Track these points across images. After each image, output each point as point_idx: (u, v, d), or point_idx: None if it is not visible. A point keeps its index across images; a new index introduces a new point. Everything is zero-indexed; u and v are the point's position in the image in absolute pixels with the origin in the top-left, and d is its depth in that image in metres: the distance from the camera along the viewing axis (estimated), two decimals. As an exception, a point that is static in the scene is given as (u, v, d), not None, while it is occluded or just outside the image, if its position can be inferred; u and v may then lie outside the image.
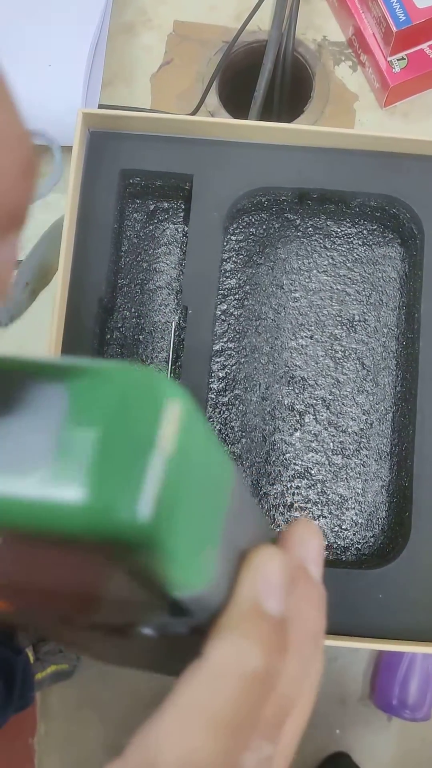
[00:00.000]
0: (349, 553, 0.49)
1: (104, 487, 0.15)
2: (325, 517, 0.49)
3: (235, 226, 0.52)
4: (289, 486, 0.50)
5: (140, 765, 0.18)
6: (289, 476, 0.50)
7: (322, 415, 0.50)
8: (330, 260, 0.52)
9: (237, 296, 0.52)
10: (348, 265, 0.52)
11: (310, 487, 0.50)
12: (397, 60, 0.60)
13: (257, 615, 0.20)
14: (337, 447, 0.50)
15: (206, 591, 0.19)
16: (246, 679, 0.19)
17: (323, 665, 0.23)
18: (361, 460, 0.50)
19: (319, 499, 0.49)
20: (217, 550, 0.19)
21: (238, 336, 0.51)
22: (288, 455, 0.50)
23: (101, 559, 0.16)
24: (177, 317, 0.51)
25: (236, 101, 0.66)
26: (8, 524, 0.15)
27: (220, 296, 0.51)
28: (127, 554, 0.15)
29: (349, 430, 0.50)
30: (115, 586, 0.18)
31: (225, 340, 0.51)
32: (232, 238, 0.52)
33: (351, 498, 0.49)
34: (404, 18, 0.57)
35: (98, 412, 0.15)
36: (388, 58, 0.60)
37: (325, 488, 0.49)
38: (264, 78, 0.62)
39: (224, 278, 0.52)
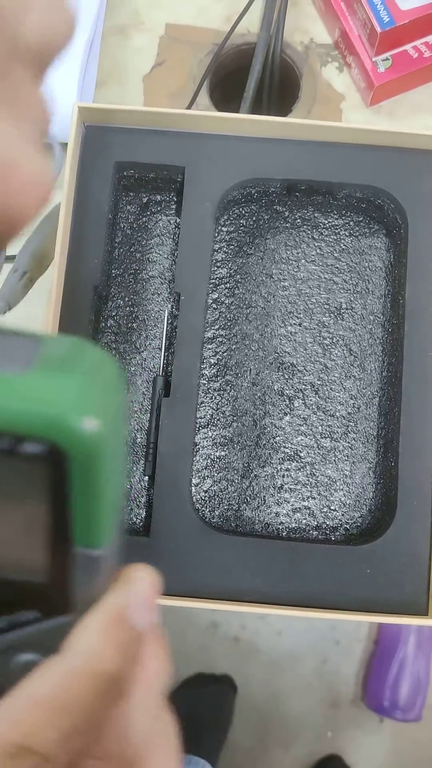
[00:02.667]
0: (338, 533, 0.50)
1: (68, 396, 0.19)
2: (314, 498, 0.51)
3: (225, 217, 0.54)
4: (279, 468, 0.51)
5: None
6: (279, 459, 0.51)
7: (311, 400, 0.52)
8: (318, 250, 0.54)
9: (228, 285, 0.53)
10: (335, 255, 0.54)
11: (299, 469, 0.51)
12: (382, 60, 0.62)
13: (121, 622, 0.21)
14: (326, 430, 0.51)
15: (95, 557, 0.21)
16: (97, 678, 0.20)
17: (175, 738, 0.24)
18: (348, 443, 0.51)
19: (308, 481, 0.51)
20: (114, 528, 0.21)
21: (229, 324, 0.53)
22: (278, 439, 0.51)
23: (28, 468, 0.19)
24: (170, 306, 0.53)
25: (226, 101, 0.68)
26: None
27: (211, 285, 0.53)
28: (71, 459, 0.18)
29: (337, 414, 0.52)
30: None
31: (216, 327, 0.52)
32: (223, 229, 0.54)
33: (339, 480, 0.51)
34: (388, 19, 0.59)
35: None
36: (373, 59, 0.62)
37: (314, 470, 0.51)
38: (253, 79, 0.64)
39: (215, 268, 0.53)
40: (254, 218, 0.54)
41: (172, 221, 0.54)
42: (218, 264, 0.53)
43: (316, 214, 0.54)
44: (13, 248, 0.53)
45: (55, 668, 0.21)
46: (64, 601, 0.22)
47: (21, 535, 0.21)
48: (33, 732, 0.19)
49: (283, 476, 0.51)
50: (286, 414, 0.52)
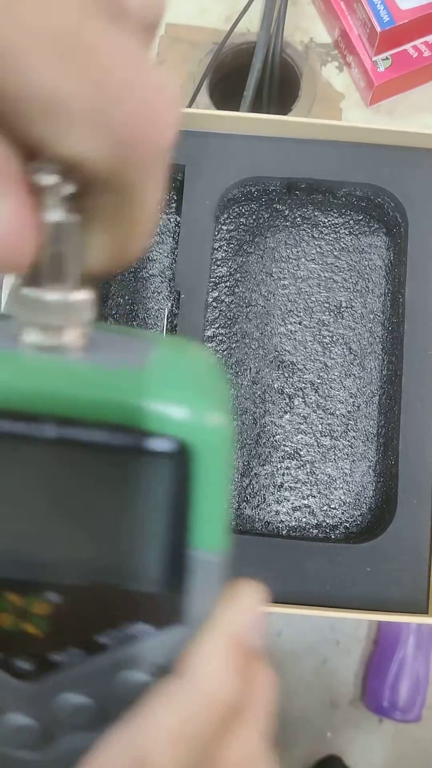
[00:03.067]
0: (337, 532, 0.50)
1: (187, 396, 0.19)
2: (314, 497, 0.51)
3: (225, 215, 0.54)
4: (279, 467, 0.51)
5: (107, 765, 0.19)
6: (279, 457, 0.51)
7: (311, 398, 0.52)
8: (318, 249, 0.54)
9: (228, 284, 0.53)
10: (335, 253, 0.54)
11: (299, 467, 0.51)
12: (382, 60, 0.62)
13: (239, 644, 0.20)
14: (326, 429, 0.51)
15: (213, 562, 0.20)
16: (220, 707, 0.20)
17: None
18: (348, 441, 0.51)
19: (308, 479, 0.51)
20: (227, 533, 0.20)
21: (229, 322, 0.53)
22: (278, 437, 0.51)
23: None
24: (169, 304, 0.53)
25: (226, 101, 0.68)
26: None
27: (211, 284, 0.53)
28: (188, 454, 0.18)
29: (337, 412, 0.52)
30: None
31: (216, 326, 0.53)
32: (223, 227, 0.54)
33: (339, 478, 0.51)
34: (388, 19, 0.59)
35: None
36: (373, 58, 0.62)
37: (314, 469, 0.51)
38: (253, 78, 0.64)
39: (215, 266, 0.53)
40: (254, 217, 0.54)
41: (172, 219, 0.54)
42: (218, 262, 0.53)
43: (316, 213, 0.54)
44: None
45: (179, 696, 0.19)
46: (178, 611, 0.20)
47: (137, 539, 0.20)
48: (151, 757, 0.19)
49: (283, 474, 0.51)
50: (286, 412, 0.52)
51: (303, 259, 0.54)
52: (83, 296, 0.18)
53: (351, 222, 0.54)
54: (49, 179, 0.16)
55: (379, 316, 0.53)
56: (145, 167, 0.17)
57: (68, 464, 0.19)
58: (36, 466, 0.19)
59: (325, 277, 0.53)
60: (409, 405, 0.49)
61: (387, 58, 0.62)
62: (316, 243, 0.54)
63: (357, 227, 0.54)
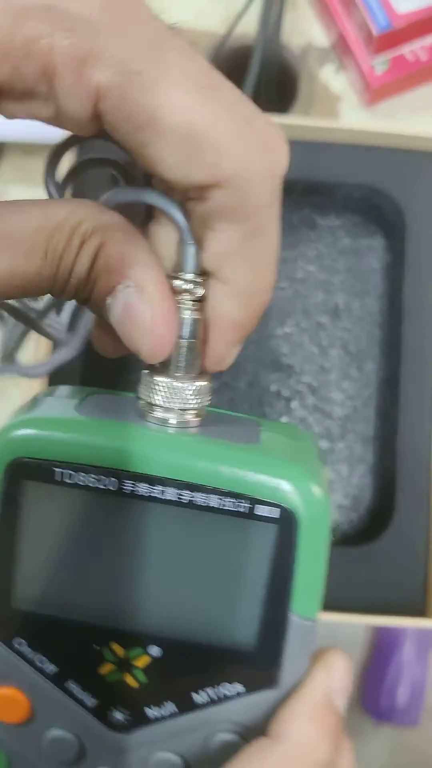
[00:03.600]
0: (335, 534, 0.50)
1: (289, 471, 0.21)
2: (312, 499, 0.50)
3: (223, 218, 0.54)
4: (276, 469, 0.51)
5: None
6: (276, 460, 0.51)
7: (309, 401, 0.52)
8: (315, 251, 0.54)
9: (225, 286, 0.53)
10: (333, 255, 0.54)
11: (297, 470, 0.51)
12: (379, 63, 0.62)
13: (329, 708, 0.21)
14: (324, 432, 0.51)
15: (308, 627, 0.21)
16: (313, 766, 0.20)
17: None
18: (346, 444, 0.51)
19: (305, 481, 0.51)
20: (320, 603, 0.22)
21: (226, 324, 0.52)
22: (275, 439, 0.51)
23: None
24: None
25: (224, 104, 0.68)
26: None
27: (208, 286, 0.53)
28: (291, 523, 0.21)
29: (335, 415, 0.52)
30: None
31: (214, 328, 0.52)
32: (221, 229, 0.54)
33: (337, 481, 0.51)
34: (385, 22, 0.59)
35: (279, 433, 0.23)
36: (371, 61, 0.62)
37: (311, 471, 0.51)
38: (251, 81, 0.64)
39: (213, 268, 0.53)
40: (252, 219, 0.54)
41: (169, 222, 0.54)
42: (216, 265, 0.53)
43: (313, 215, 0.54)
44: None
45: (273, 755, 0.20)
46: (271, 674, 0.21)
47: (240, 601, 0.21)
48: None
49: (281, 477, 0.51)
50: (283, 415, 0.52)
51: (300, 261, 0.53)
52: (204, 383, 0.22)
53: (349, 224, 0.54)
54: (186, 284, 0.20)
55: (376, 318, 0.53)
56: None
57: (183, 525, 0.21)
58: (153, 525, 0.21)
59: (322, 279, 0.53)
60: (407, 407, 0.49)
61: (384, 61, 0.62)
62: (313, 245, 0.54)
63: (355, 229, 0.54)
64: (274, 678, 0.21)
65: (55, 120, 0.19)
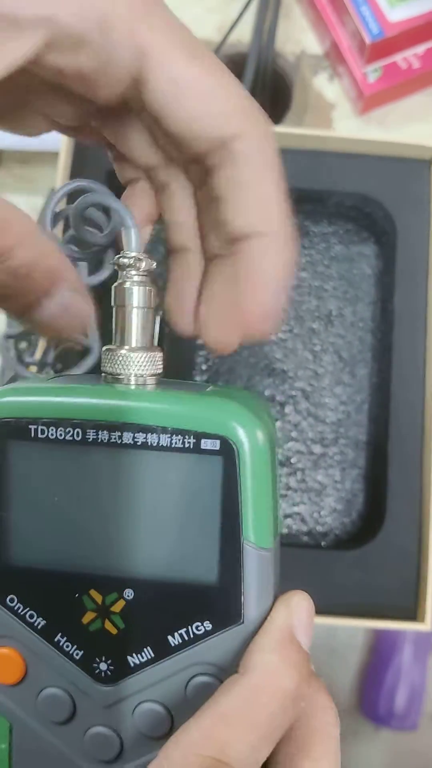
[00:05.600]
0: (328, 539, 0.50)
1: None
2: (305, 504, 0.51)
3: (216, 225, 0.54)
4: (269, 474, 0.51)
5: (182, 760, 0.20)
6: (269, 465, 0.51)
7: (302, 406, 0.52)
8: (308, 258, 0.54)
9: (219, 292, 0.54)
10: (325, 262, 0.54)
11: (290, 474, 0.51)
12: (372, 71, 0.62)
13: (292, 643, 0.22)
14: (317, 436, 0.52)
15: (264, 557, 0.22)
16: (279, 694, 0.21)
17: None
18: (339, 448, 0.52)
19: (299, 486, 0.51)
20: (276, 534, 0.24)
21: (220, 330, 0.53)
22: (269, 444, 0.52)
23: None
24: (161, 312, 0.53)
25: (219, 111, 0.69)
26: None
27: (202, 292, 0.53)
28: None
29: (328, 420, 0.52)
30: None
31: (207, 334, 0.53)
32: (214, 236, 0.54)
33: (329, 485, 0.51)
34: (377, 31, 0.60)
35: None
36: (363, 69, 0.62)
37: (304, 476, 0.51)
38: (245, 88, 0.64)
39: (206, 275, 0.54)
40: (245, 226, 0.54)
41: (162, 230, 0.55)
42: (209, 271, 0.54)
43: (306, 222, 0.54)
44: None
45: (240, 686, 0.21)
46: (235, 608, 0.22)
47: (197, 534, 0.22)
48: (227, 747, 0.20)
49: (274, 482, 0.51)
50: (276, 420, 0.52)
51: (293, 268, 0.54)
52: (157, 352, 0.25)
53: (341, 231, 0.54)
54: (129, 260, 0.25)
55: (368, 324, 0.53)
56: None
57: (141, 467, 0.23)
58: (116, 471, 0.23)
59: (315, 285, 0.54)
60: (399, 412, 0.50)
61: (377, 69, 0.62)
62: (306, 252, 0.54)
63: (347, 236, 0.54)
64: (238, 612, 0.22)
65: (94, 74, 0.21)
